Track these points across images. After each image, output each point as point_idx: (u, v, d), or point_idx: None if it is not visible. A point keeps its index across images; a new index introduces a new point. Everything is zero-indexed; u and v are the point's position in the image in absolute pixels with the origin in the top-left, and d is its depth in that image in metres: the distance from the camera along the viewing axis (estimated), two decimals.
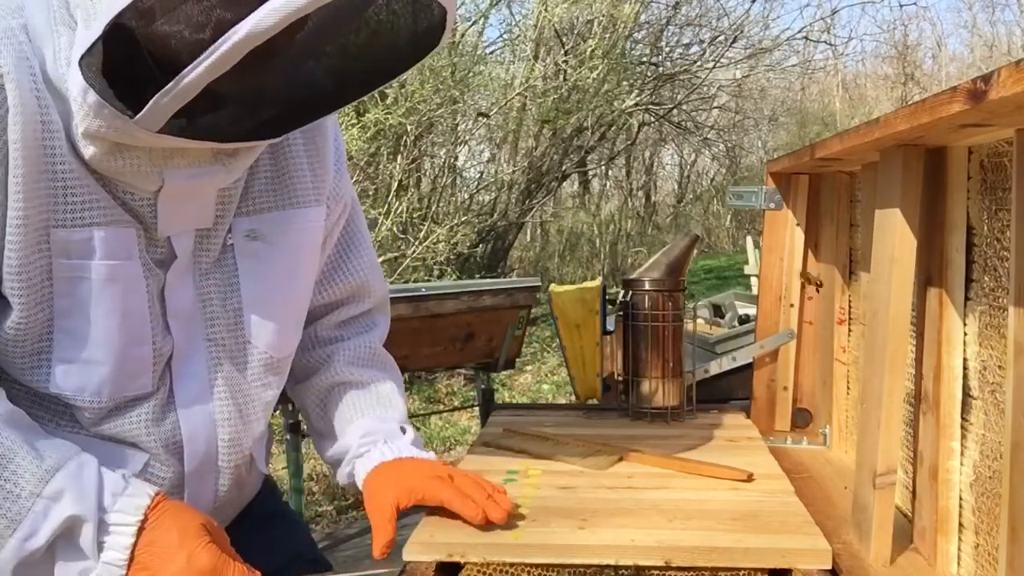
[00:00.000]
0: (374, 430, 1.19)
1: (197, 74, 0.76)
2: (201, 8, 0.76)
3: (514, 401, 5.82)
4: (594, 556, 1.02)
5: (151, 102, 0.79)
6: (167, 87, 0.78)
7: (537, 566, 1.02)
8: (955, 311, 1.06)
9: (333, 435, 1.22)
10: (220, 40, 0.74)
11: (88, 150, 0.89)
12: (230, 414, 1.06)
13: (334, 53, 0.85)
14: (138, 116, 0.80)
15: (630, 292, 1.67)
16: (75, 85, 0.83)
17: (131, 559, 0.87)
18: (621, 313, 1.70)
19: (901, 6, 18.24)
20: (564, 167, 9.83)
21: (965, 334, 1.06)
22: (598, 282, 1.82)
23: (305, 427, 3.04)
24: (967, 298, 1.06)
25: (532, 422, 1.61)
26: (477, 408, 4.55)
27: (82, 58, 0.80)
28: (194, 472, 1.04)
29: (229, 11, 0.75)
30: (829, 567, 1.00)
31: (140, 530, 0.88)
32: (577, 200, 13.13)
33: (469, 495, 1.09)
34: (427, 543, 1.04)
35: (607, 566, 1.01)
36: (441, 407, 5.48)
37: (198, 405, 1.03)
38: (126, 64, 0.80)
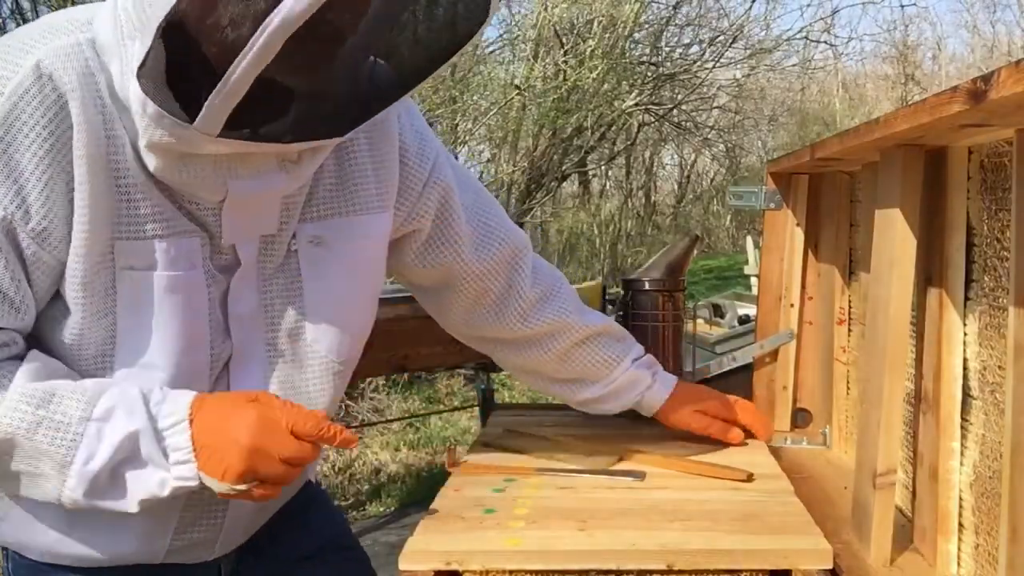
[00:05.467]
0: (649, 363, 1.43)
1: (241, 70, 0.78)
2: (237, 5, 0.78)
3: (514, 401, 5.81)
4: (595, 562, 1.01)
5: (205, 105, 0.81)
6: (217, 88, 0.80)
7: (537, 572, 1.02)
8: (955, 311, 1.06)
9: (587, 379, 1.39)
10: (257, 33, 0.76)
11: (153, 162, 0.91)
12: None
13: (382, 43, 0.86)
14: (196, 121, 0.82)
15: (630, 292, 1.67)
16: (134, 98, 0.85)
17: (194, 449, 0.90)
18: (621, 313, 1.70)
19: (902, 6, 18.24)
20: (564, 167, 9.82)
21: (965, 334, 1.06)
22: (598, 282, 1.82)
23: None
24: (967, 298, 1.06)
25: (532, 422, 1.61)
26: (477, 408, 4.54)
27: (139, 70, 0.82)
28: None
29: (262, 3, 0.76)
30: (830, 567, 1.00)
31: (191, 422, 0.91)
32: (577, 200, 13.12)
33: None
34: (424, 551, 1.02)
35: (609, 571, 1.01)
36: (441, 407, 5.48)
37: None
38: (181, 72, 0.82)
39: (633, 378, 1.40)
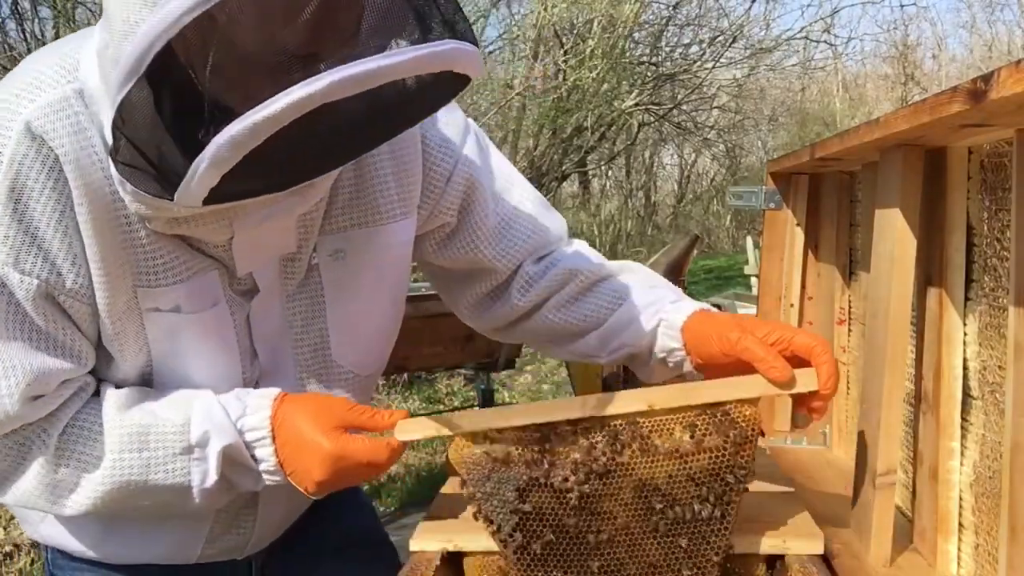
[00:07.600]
0: (678, 295, 1.15)
1: (198, 178, 0.75)
2: (182, 115, 0.75)
3: (514, 401, 5.81)
4: (580, 410, 0.99)
5: (176, 193, 0.78)
6: (182, 184, 0.77)
7: (525, 428, 0.99)
8: (955, 311, 1.06)
9: (598, 320, 1.15)
10: (200, 156, 0.74)
11: (148, 223, 0.90)
12: None
13: (361, 110, 0.79)
14: (175, 198, 0.79)
15: None
16: (114, 174, 0.83)
17: (279, 463, 0.97)
18: None
19: (902, 6, 18.25)
20: (564, 167, 9.84)
21: (965, 334, 1.06)
22: None
23: None
24: (967, 298, 1.06)
25: None
26: (477, 408, 4.55)
27: (111, 151, 0.80)
28: (274, 488, 1.03)
29: (212, 124, 0.73)
30: (821, 544, 1.00)
31: (274, 438, 0.96)
32: (577, 200, 13.14)
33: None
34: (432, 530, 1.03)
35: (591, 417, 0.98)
36: (441, 407, 5.48)
37: None
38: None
39: (651, 298, 1.13)
